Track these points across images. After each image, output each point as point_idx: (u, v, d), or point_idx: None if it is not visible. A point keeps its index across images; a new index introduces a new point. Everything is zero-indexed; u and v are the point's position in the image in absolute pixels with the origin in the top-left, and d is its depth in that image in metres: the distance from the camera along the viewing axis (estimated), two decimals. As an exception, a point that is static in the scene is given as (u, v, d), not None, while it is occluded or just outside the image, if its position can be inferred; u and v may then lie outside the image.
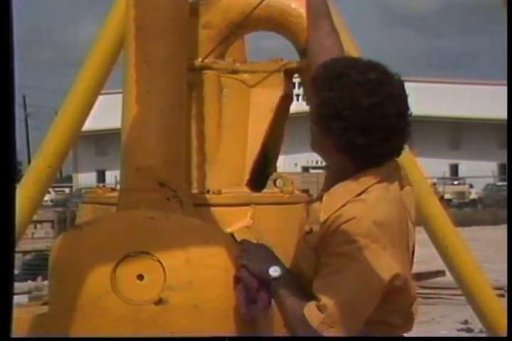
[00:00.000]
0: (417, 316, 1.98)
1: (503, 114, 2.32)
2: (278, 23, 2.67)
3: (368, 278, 1.79)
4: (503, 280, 7.70)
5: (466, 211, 29.89)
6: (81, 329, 1.98)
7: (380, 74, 1.89)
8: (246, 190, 2.61)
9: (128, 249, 1.97)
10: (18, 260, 13.49)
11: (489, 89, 39.68)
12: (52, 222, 22.11)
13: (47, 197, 22.90)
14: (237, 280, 1.97)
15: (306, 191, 2.73)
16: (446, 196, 31.80)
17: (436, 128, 41.58)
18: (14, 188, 1.26)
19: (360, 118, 1.84)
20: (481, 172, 35.29)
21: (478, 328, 7.32)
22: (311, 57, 2.31)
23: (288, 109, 2.79)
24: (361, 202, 1.84)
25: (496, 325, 3.64)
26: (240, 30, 2.72)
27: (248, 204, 2.49)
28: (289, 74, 2.73)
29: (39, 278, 12.39)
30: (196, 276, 1.98)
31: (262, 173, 2.70)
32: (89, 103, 3.60)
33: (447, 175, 41.63)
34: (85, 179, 44.64)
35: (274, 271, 1.90)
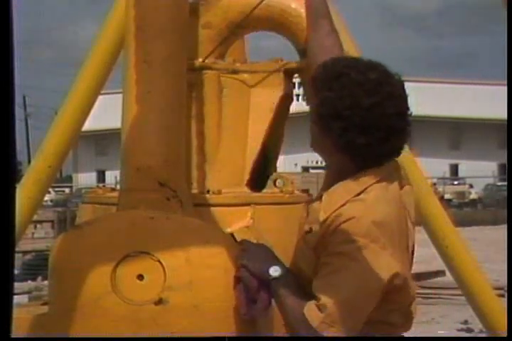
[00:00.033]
0: (416, 316, 1.98)
1: (503, 114, 2.32)
2: (278, 23, 2.67)
3: (367, 277, 1.79)
4: (503, 280, 7.70)
5: (466, 211, 29.89)
6: (81, 329, 1.98)
7: (380, 74, 1.89)
8: (246, 190, 2.62)
9: (128, 249, 1.97)
10: (18, 260, 13.49)
11: (489, 89, 39.68)
12: (52, 222, 22.11)
13: (47, 197, 22.90)
14: (238, 280, 1.97)
15: (306, 191, 2.73)
16: (446, 196, 31.79)
17: (436, 128, 41.58)
18: (14, 188, 1.26)
19: (360, 118, 1.84)
20: (481, 172, 35.29)
21: (478, 328, 7.32)
22: (311, 57, 2.31)
23: (288, 109, 2.79)
24: (360, 202, 1.85)
25: (496, 325, 3.64)
26: (240, 30, 2.72)
27: (248, 204, 2.49)
28: (289, 74, 2.73)
29: (39, 278, 12.40)
30: (196, 276, 1.98)
31: (262, 173, 2.70)
32: (89, 103, 3.60)
33: (447, 175, 41.63)
34: (85, 179, 44.63)
35: (275, 271, 1.90)
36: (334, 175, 1.96)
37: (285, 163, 19.50)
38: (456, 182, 38.70)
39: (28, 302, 6.37)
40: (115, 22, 3.35)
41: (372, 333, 1.88)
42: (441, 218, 3.81)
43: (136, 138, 2.23)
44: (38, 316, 2.11)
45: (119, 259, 1.96)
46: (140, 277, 1.96)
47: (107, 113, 16.41)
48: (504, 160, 30.20)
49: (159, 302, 1.94)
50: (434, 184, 31.07)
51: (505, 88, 2.02)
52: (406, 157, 3.28)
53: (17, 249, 2.47)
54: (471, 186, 36.57)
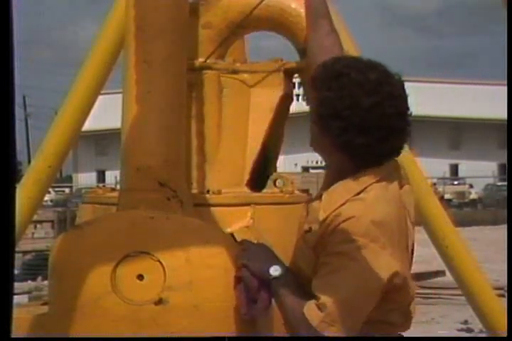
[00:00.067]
0: (416, 316, 1.98)
1: (503, 114, 2.32)
2: (278, 23, 2.67)
3: (366, 277, 1.79)
4: (503, 280, 7.69)
5: (466, 211, 29.88)
6: (81, 329, 1.98)
7: (380, 74, 1.89)
8: (246, 190, 2.62)
9: (128, 249, 1.97)
10: (18, 260, 13.48)
11: (489, 89, 39.67)
12: (52, 222, 22.10)
13: (47, 197, 22.89)
14: (238, 279, 1.97)
15: (306, 191, 2.73)
16: (446, 196, 31.79)
17: (436, 128, 41.58)
18: (14, 188, 1.26)
19: (359, 118, 1.84)
20: (481, 172, 35.29)
21: (478, 328, 7.31)
22: (311, 57, 2.31)
23: (288, 109, 2.79)
24: (360, 202, 1.85)
25: (496, 325, 3.64)
26: (240, 30, 2.72)
27: (248, 204, 2.49)
28: (289, 74, 2.73)
29: (39, 278, 12.39)
30: (196, 276, 1.98)
31: (262, 173, 2.70)
32: (89, 103, 3.60)
33: (447, 175, 41.62)
34: (85, 179, 44.63)
35: (275, 271, 1.90)
36: (334, 175, 1.96)
37: (285, 163, 19.50)
38: (456, 182, 38.69)
39: (28, 302, 6.37)
40: (115, 22, 3.35)
41: (371, 333, 1.88)
42: (441, 218, 3.81)
43: (136, 138, 2.23)
44: (38, 316, 2.11)
45: (119, 259, 1.96)
46: (140, 277, 1.96)
47: (107, 113, 16.40)
48: (504, 160, 30.19)
49: (159, 302, 1.94)
50: (434, 184, 31.06)
51: (505, 88, 2.02)
52: (406, 157, 3.28)
53: (17, 249, 2.47)
54: (471, 186, 36.56)
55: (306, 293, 1.84)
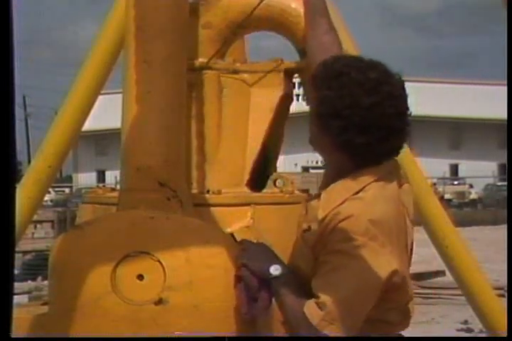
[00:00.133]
0: (416, 316, 1.98)
1: (503, 114, 2.32)
2: (278, 23, 2.67)
3: (366, 276, 1.79)
4: (503, 280, 7.70)
5: (466, 211, 29.87)
6: (81, 329, 1.98)
7: (380, 74, 1.89)
8: (246, 190, 2.61)
9: (128, 249, 1.97)
10: (18, 260, 13.48)
11: (489, 89, 39.67)
12: (52, 222, 22.09)
13: (47, 197, 22.89)
14: (238, 279, 1.97)
15: (306, 191, 2.73)
16: (446, 196, 31.79)
17: (436, 128, 41.58)
18: (14, 188, 1.26)
19: (359, 117, 1.84)
20: (481, 172, 35.29)
21: (478, 328, 7.31)
22: (310, 56, 2.31)
23: (288, 109, 2.79)
24: (359, 200, 1.85)
25: (496, 325, 3.64)
26: (240, 30, 2.72)
27: (248, 204, 2.49)
28: (289, 74, 2.73)
29: (39, 278, 12.39)
30: (196, 276, 1.98)
31: (262, 173, 2.70)
32: (89, 103, 3.60)
33: (447, 175, 41.62)
34: (85, 179, 44.63)
35: (275, 270, 1.90)
36: (333, 174, 1.96)
37: (285, 163, 19.49)
38: (456, 182, 38.69)
39: (28, 302, 6.37)
40: (115, 22, 3.35)
41: (370, 332, 1.88)
42: (441, 218, 3.81)
43: (136, 138, 2.23)
44: (38, 316, 2.11)
45: (119, 259, 1.96)
46: (140, 277, 1.97)
47: (107, 113, 16.39)
48: (504, 160, 30.18)
49: (159, 302, 1.94)
50: (434, 184, 31.07)
51: (505, 88, 2.02)
52: (406, 157, 3.29)
53: (17, 249, 2.47)
54: (471, 186, 36.56)
55: (307, 292, 1.84)
